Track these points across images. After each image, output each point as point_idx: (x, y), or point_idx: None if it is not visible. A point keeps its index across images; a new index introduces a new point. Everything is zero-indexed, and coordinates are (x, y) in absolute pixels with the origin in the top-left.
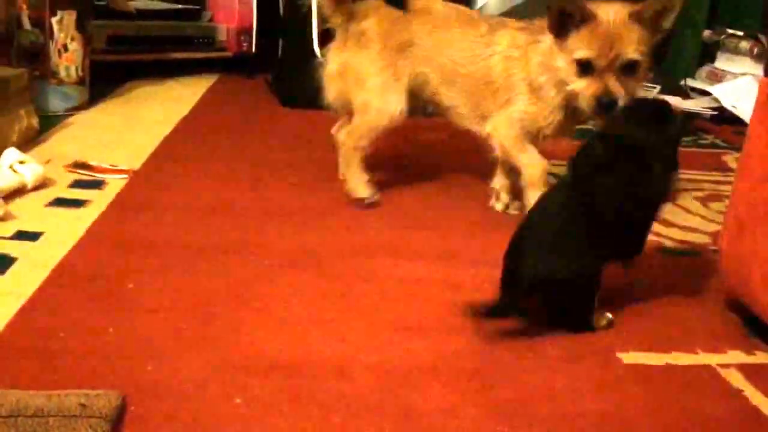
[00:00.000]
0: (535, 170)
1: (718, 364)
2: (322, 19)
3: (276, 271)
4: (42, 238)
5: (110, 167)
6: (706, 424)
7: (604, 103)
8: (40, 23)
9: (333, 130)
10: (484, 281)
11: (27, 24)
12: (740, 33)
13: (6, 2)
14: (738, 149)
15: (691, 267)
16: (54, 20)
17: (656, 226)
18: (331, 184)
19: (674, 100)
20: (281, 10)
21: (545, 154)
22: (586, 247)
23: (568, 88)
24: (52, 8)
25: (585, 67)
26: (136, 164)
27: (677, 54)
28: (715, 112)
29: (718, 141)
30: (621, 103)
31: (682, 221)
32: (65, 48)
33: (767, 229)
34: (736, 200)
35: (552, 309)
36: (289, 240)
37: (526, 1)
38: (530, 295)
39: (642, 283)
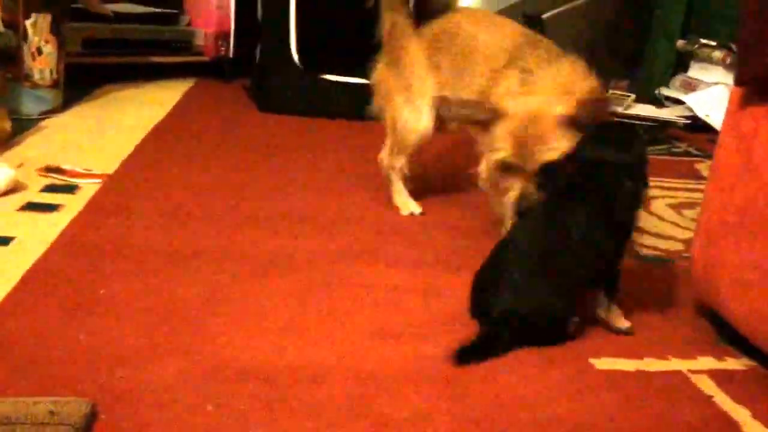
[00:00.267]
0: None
1: (689, 370)
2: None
3: (250, 278)
4: (13, 243)
5: (84, 171)
6: (677, 430)
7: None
8: (14, 26)
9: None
10: (460, 288)
11: (0, 26)
12: (713, 43)
13: None
14: (711, 157)
15: (664, 274)
16: (28, 23)
17: None
18: (306, 190)
19: (649, 109)
20: (259, 15)
21: None
22: (560, 279)
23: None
24: (26, 11)
25: None
26: (110, 169)
27: (652, 63)
28: (689, 121)
29: (691, 149)
30: None
31: (655, 228)
32: (39, 51)
33: (736, 236)
34: (707, 208)
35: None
36: (264, 246)
37: (502, 10)
38: (502, 328)
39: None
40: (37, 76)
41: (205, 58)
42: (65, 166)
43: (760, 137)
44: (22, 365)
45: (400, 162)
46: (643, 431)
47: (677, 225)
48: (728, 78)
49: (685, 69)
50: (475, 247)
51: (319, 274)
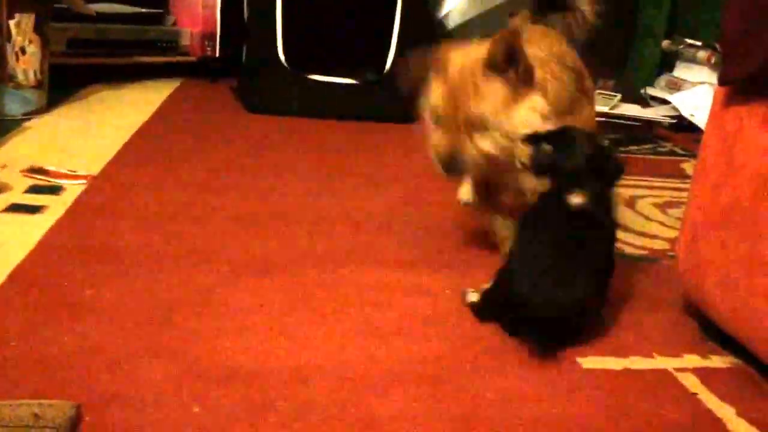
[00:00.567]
0: None
1: (674, 369)
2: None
3: (237, 278)
4: None
5: (68, 172)
6: (662, 428)
7: None
8: None
9: None
10: (448, 288)
11: None
12: (698, 43)
13: None
14: (696, 156)
15: (650, 273)
16: (11, 23)
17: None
18: (293, 191)
19: (634, 108)
20: (245, 15)
21: None
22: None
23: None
24: (10, 11)
25: None
26: (95, 170)
27: (637, 63)
28: (674, 120)
29: (676, 148)
30: None
31: (641, 227)
32: (23, 51)
33: (721, 235)
34: (692, 206)
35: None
36: (251, 246)
37: (489, 10)
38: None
39: None
40: (20, 77)
41: (192, 59)
42: (49, 167)
43: (744, 137)
44: (5, 367)
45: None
46: (628, 429)
47: (663, 224)
48: (713, 78)
49: (671, 69)
50: (464, 247)
51: (306, 274)
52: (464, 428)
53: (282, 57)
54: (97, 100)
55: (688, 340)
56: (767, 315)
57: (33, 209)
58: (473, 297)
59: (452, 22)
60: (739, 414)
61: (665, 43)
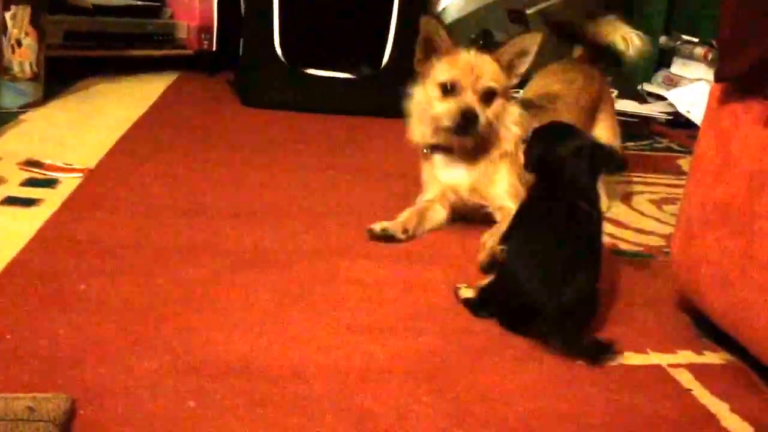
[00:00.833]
0: None
1: (668, 364)
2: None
3: (232, 273)
4: None
5: (64, 166)
6: (656, 423)
7: (467, 118)
8: None
9: None
10: (442, 282)
11: None
12: (695, 39)
13: None
14: (692, 153)
15: (645, 269)
16: (7, 15)
17: (611, 229)
18: (288, 185)
19: (631, 105)
20: (242, 8)
21: None
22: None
23: (432, 111)
24: (6, 3)
25: (448, 89)
26: (91, 163)
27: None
28: (671, 117)
29: (672, 145)
30: (482, 120)
31: (636, 224)
32: (19, 43)
33: (716, 231)
34: (687, 203)
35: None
36: (246, 241)
37: (485, 6)
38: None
39: None
40: (16, 69)
41: (188, 52)
42: (45, 161)
43: (739, 133)
44: (0, 361)
45: None
46: (622, 424)
47: (658, 220)
48: (710, 74)
49: (668, 65)
50: (457, 243)
51: (302, 269)
52: (458, 422)
53: (279, 51)
54: (93, 93)
55: (683, 336)
56: (761, 311)
57: (29, 202)
58: (467, 293)
59: (449, 17)
60: (733, 410)
61: (662, 39)
